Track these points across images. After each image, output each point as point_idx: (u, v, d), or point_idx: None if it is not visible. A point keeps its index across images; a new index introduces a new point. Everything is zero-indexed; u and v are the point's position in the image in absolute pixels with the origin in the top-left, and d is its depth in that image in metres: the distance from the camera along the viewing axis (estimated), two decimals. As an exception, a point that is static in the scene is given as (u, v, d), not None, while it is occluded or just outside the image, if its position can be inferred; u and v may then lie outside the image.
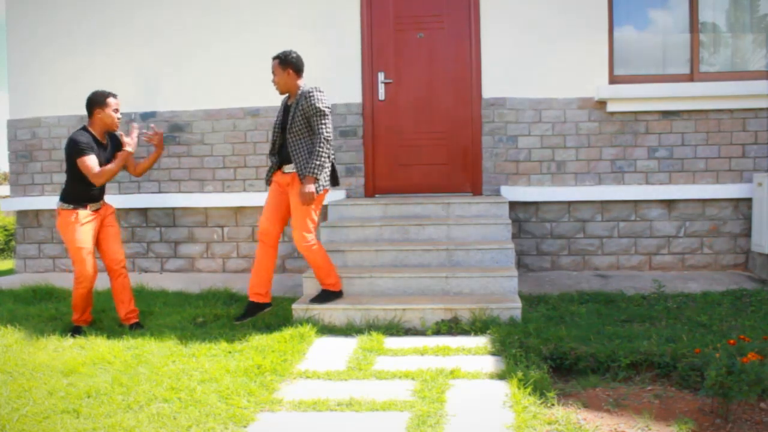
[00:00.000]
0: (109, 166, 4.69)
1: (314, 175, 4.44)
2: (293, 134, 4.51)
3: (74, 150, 4.62)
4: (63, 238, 4.74)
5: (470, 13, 6.32)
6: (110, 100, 4.75)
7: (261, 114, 6.53)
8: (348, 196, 6.43)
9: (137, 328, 4.73)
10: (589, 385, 3.48)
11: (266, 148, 6.53)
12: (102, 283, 5.24)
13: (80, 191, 4.70)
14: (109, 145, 4.83)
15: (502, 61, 6.25)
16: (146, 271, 6.68)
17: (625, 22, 6.33)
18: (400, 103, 6.45)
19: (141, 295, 5.57)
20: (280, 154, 4.68)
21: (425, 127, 6.44)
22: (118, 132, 4.88)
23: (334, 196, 6.35)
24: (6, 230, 11.54)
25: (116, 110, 4.76)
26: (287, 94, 4.71)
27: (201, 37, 6.54)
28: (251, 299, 4.81)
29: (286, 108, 4.68)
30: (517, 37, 6.22)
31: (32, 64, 6.82)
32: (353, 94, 6.44)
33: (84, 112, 4.80)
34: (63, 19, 6.75)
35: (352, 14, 6.41)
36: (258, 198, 6.45)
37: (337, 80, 6.39)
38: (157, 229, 6.70)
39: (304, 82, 4.63)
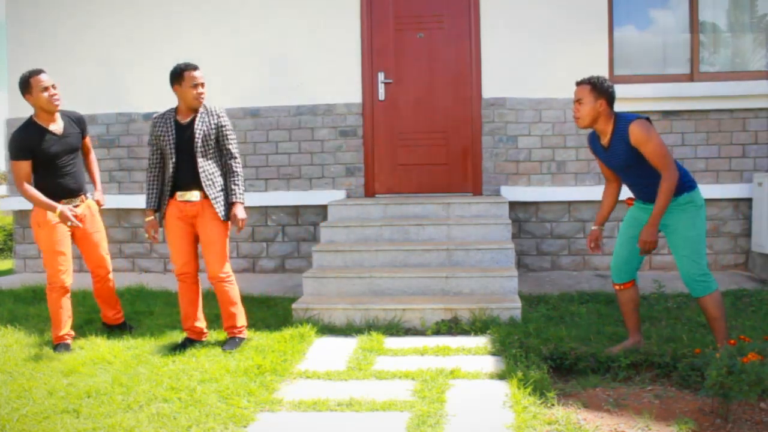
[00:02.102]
0: (34, 195, 4.03)
1: (243, 200, 4.19)
2: (207, 157, 4.14)
3: (7, 149, 4.05)
4: (35, 240, 4.24)
5: (470, 13, 6.31)
6: (34, 79, 4.03)
7: (261, 114, 6.53)
8: (348, 196, 6.43)
9: (127, 328, 4.65)
10: (589, 385, 3.48)
11: (267, 148, 6.53)
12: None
13: (47, 186, 4.16)
14: (69, 130, 4.25)
15: (502, 61, 6.24)
16: (147, 272, 6.67)
17: (625, 22, 6.33)
18: (400, 103, 6.45)
19: (141, 294, 5.57)
20: (176, 179, 4.16)
21: (425, 127, 6.44)
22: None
23: (334, 196, 6.36)
24: (5, 230, 11.52)
25: (46, 88, 4.04)
26: (158, 114, 4.28)
27: (201, 38, 6.53)
28: (189, 337, 4.32)
29: (179, 127, 4.17)
30: (517, 37, 6.22)
31: (32, 64, 6.78)
32: (353, 94, 6.43)
33: (83, 111, 4.74)
34: (63, 19, 6.74)
35: (352, 14, 6.41)
36: (258, 198, 6.45)
37: (337, 80, 6.40)
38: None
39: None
